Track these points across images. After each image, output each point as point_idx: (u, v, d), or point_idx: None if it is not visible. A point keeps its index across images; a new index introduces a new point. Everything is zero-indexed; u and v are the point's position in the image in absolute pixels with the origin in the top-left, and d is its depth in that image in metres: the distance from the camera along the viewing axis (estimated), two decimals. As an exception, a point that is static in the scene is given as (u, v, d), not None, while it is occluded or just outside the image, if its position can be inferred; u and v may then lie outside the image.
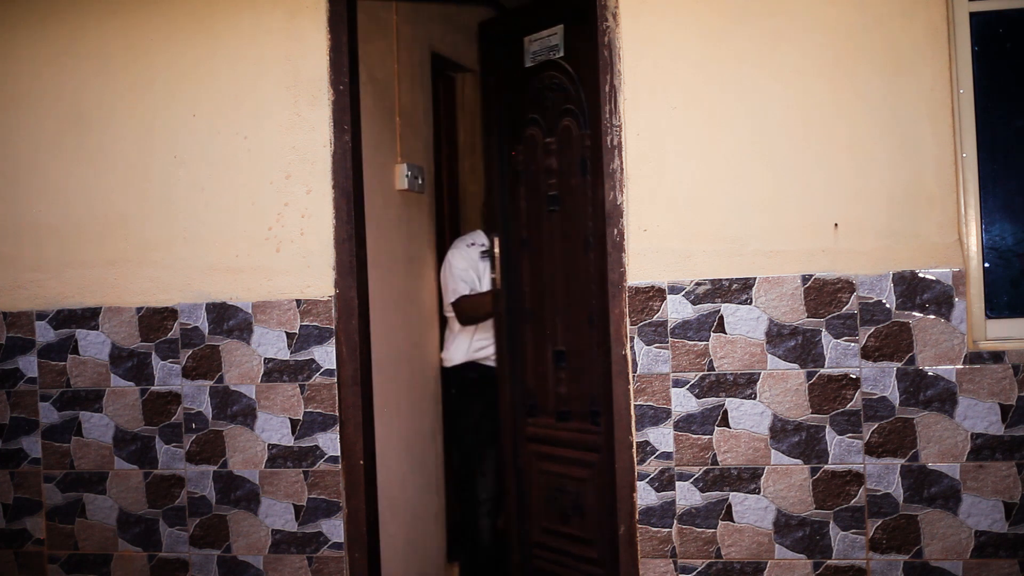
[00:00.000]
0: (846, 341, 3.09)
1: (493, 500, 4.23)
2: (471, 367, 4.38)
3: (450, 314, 4.38)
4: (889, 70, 3.06)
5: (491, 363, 4.24)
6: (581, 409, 3.61)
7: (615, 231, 3.24)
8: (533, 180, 3.80)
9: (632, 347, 3.22)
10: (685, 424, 3.18)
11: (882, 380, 3.07)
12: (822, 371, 3.11)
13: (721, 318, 3.17)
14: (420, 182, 4.28)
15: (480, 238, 4.45)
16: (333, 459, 3.49)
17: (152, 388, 3.62)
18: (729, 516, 3.16)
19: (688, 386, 3.19)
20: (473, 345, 4.35)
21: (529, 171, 3.83)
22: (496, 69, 4.02)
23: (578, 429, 3.62)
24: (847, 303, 3.09)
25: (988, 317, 3.10)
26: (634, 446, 3.22)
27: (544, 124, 3.74)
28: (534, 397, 3.83)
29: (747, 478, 3.15)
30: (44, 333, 3.70)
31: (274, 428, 3.53)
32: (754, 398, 3.15)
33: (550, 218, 3.72)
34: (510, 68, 3.90)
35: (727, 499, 3.16)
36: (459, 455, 4.39)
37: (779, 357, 3.13)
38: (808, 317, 3.11)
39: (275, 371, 3.52)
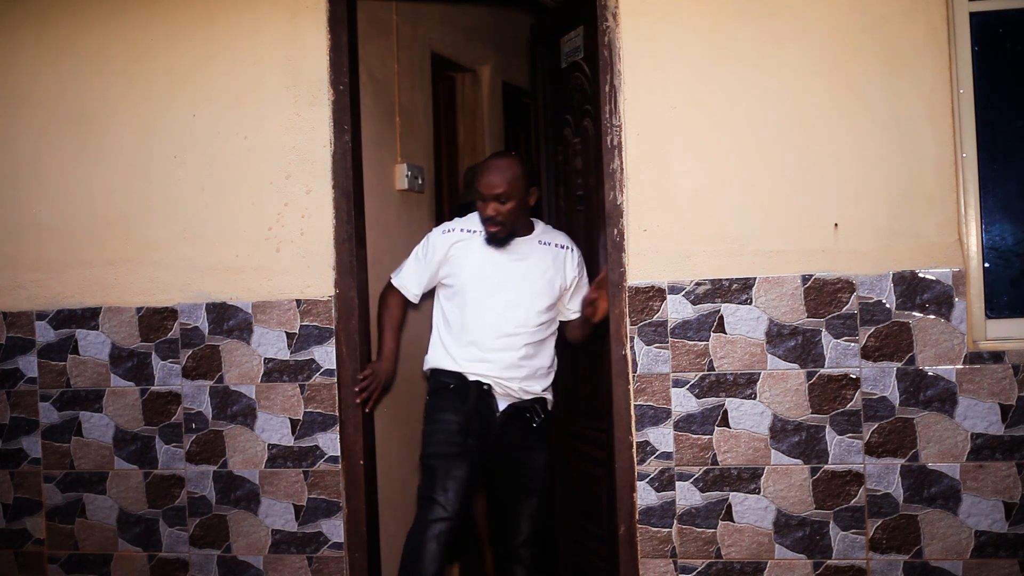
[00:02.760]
0: (846, 341, 3.09)
1: (452, 519, 3.27)
2: (449, 372, 3.42)
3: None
4: (889, 70, 3.06)
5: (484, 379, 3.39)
6: (601, 408, 3.61)
7: (615, 231, 3.24)
8: (567, 180, 3.82)
9: (632, 347, 3.22)
10: (685, 424, 3.18)
11: (882, 380, 3.07)
12: (822, 371, 3.11)
13: (721, 318, 3.17)
14: (420, 182, 4.28)
15: (461, 223, 3.46)
16: (333, 459, 3.49)
17: (152, 388, 3.62)
18: (729, 516, 3.16)
19: (688, 386, 3.18)
20: (455, 352, 3.43)
21: (564, 171, 3.85)
22: (541, 70, 4.04)
23: (598, 428, 3.62)
24: (847, 303, 3.09)
25: (988, 317, 3.10)
26: (634, 446, 3.22)
27: (573, 124, 3.75)
28: (573, 394, 3.83)
29: (747, 478, 3.15)
30: (44, 333, 3.70)
31: (274, 428, 3.52)
32: (754, 398, 3.14)
33: (578, 218, 3.73)
34: (551, 69, 3.91)
35: (727, 499, 3.16)
36: (424, 469, 3.40)
37: (779, 357, 3.13)
38: (808, 317, 3.11)
39: (275, 371, 3.52)
